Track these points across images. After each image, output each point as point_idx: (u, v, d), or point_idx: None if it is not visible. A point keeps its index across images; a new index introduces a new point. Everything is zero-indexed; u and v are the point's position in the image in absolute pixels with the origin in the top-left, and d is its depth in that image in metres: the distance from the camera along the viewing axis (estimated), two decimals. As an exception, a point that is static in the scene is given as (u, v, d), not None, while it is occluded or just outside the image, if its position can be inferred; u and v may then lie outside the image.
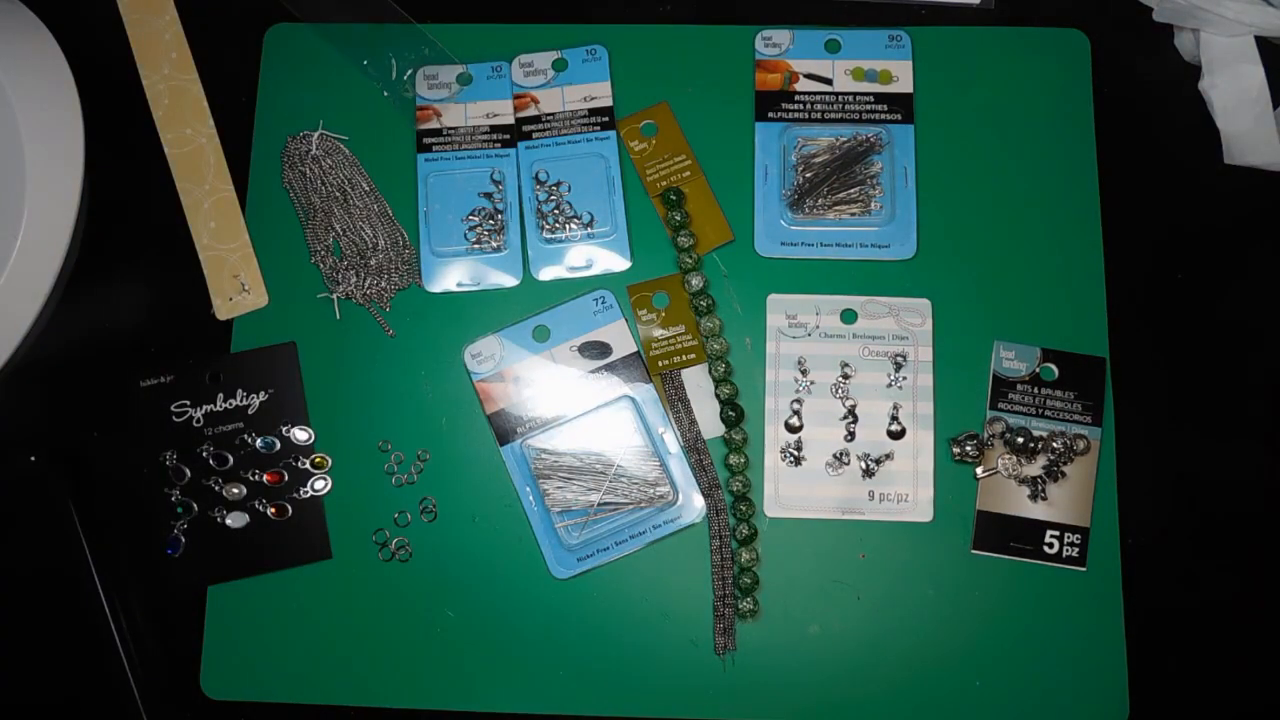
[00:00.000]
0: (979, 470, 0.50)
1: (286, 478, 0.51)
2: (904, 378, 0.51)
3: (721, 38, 0.55)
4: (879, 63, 0.55)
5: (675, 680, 0.49)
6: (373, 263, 0.53)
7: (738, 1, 0.56)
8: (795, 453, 0.50)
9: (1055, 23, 0.55)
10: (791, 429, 0.51)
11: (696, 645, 0.49)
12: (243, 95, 0.56)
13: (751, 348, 0.52)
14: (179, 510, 0.51)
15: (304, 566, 0.50)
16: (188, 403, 0.52)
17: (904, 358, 0.51)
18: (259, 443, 0.52)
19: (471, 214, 0.54)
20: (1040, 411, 0.50)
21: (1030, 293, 0.52)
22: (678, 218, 0.52)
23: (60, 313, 0.54)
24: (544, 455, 0.51)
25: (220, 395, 0.52)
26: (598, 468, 0.50)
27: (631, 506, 0.50)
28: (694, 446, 0.50)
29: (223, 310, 0.53)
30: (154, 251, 0.54)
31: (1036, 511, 0.49)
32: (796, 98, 0.54)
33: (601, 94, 0.55)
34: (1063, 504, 0.49)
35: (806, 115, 0.54)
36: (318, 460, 0.51)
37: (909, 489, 0.50)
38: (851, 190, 0.53)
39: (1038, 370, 0.51)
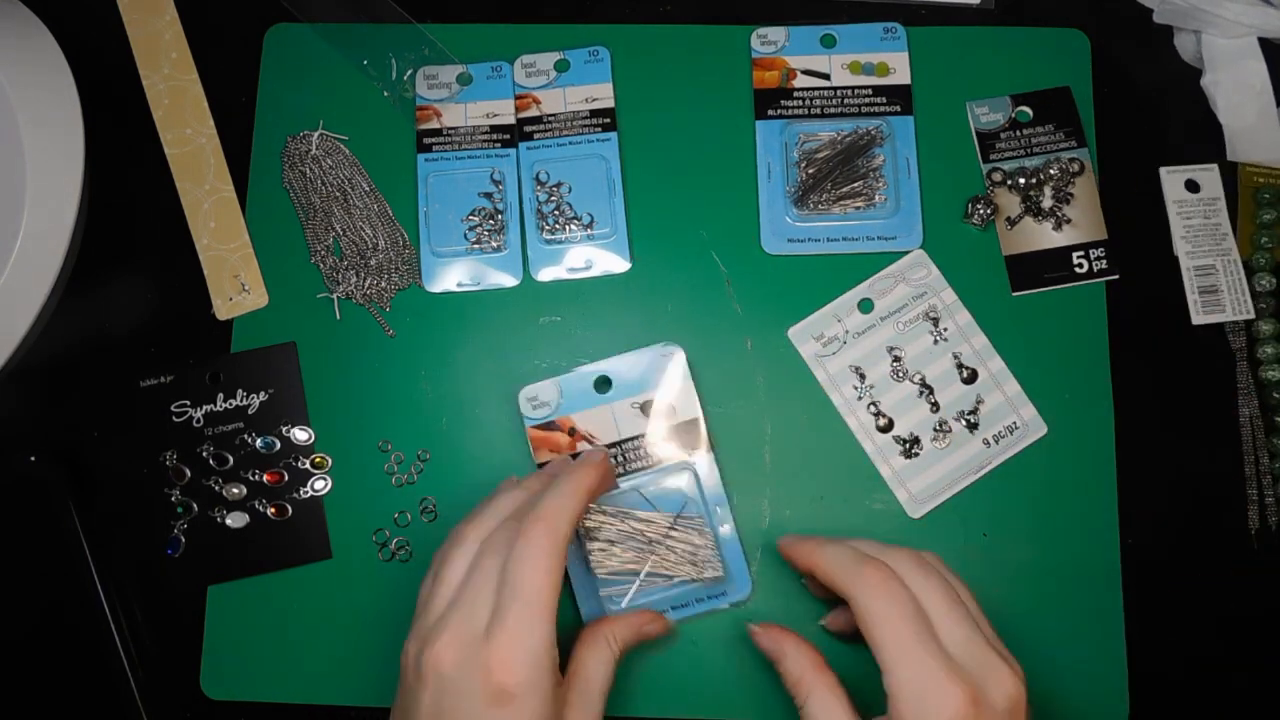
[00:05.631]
0: (1005, 219, 0.52)
1: (286, 478, 0.51)
2: (944, 328, 0.51)
3: (723, 37, 0.55)
4: (875, 55, 0.55)
5: (675, 680, 0.48)
6: (373, 263, 0.53)
7: (739, 1, 0.56)
8: (905, 445, 0.50)
9: (1055, 23, 0.55)
10: (884, 430, 0.51)
11: (696, 645, 0.49)
12: (243, 95, 0.56)
13: (752, 347, 0.52)
14: (179, 510, 0.51)
15: (304, 566, 0.50)
16: (188, 403, 0.52)
17: (934, 309, 0.51)
18: (259, 443, 0.52)
19: (471, 214, 0.54)
20: (1028, 152, 0.53)
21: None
22: None
23: (60, 313, 0.54)
24: (592, 515, 0.47)
25: (220, 395, 0.52)
26: (649, 535, 0.48)
27: (681, 580, 0.48)
28: None
29: (223, 310, 0.53)
30: (154, 251, 0.54)
31: (1059, 239, 0.52)
32: (795, 94, 0.54)
33: (603, 95, 0.55)
34: (1080, 224, 0.52)
35: (806, 111, 0.54)
36: (318, 460, 0.51)
37: (1012, 417, 0.50)
38: (855, 184, 0.53)
39: (1014, 115, 0.53)
